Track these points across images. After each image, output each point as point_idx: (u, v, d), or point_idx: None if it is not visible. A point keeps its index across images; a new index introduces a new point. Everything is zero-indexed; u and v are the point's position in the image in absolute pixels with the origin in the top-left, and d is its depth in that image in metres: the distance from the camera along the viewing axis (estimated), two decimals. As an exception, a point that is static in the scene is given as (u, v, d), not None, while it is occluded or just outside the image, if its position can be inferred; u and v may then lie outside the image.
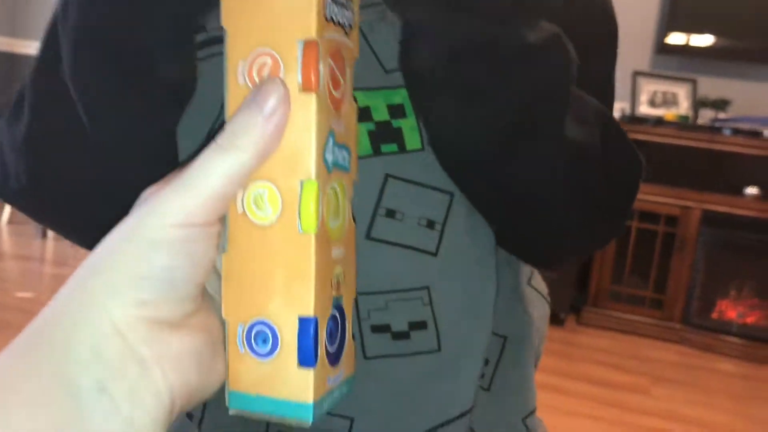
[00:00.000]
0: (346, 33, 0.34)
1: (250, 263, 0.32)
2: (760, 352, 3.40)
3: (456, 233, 0.47)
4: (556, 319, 3.62)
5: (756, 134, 3.49)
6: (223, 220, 0.32)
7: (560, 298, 3.56)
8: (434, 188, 0.46)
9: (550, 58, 0.43)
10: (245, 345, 0.32)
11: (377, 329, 0.47)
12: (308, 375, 0.31)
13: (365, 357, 0.46)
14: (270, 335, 0.31)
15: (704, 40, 3.68)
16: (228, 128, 0.31)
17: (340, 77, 0.33)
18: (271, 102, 0.30)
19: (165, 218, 0.29)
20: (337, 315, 0.33)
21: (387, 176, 0.45)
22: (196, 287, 0.31)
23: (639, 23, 3.85)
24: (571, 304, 3.61)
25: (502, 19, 0.42)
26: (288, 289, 0.31)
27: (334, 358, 0.33)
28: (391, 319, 0.46)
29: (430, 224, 0.46)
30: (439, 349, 0.47)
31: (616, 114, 3.72)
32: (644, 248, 3.58)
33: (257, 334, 0.32)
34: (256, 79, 0.31)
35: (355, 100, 0.36)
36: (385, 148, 0.45)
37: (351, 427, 0.47)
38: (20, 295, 3.19)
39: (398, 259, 0.46)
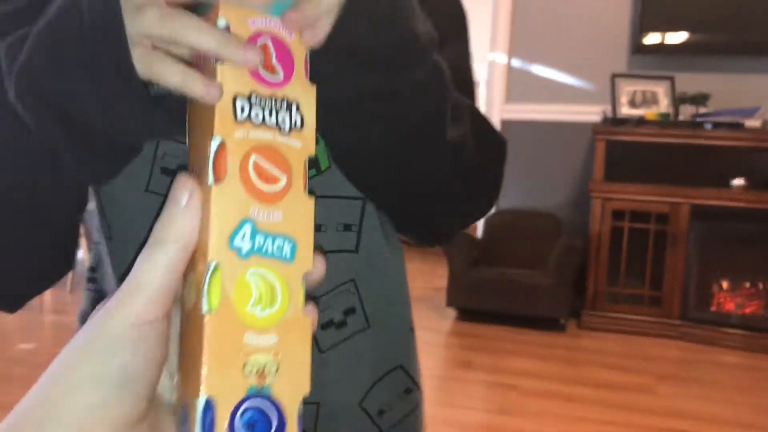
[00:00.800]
0: (285, 133, 0.37)
1: (183, 348, 0.36)
2: (762, 341, 3.42)
3: (371, 230, 0.58)
4: (556, 325, 3.64)
5: (737, 126, 3.54)
6: (170, 317, 0.35)
7: (559, 304, 3.57)
8: (347, 197, 0.57)
9: (431, 88, 0.51)
10: (179, 429, 0.34)
11: (325, 326, 0.57)
12: None
13: (320, 351, 0.57)
14: (188, 417, 0.33)
15: (679, 37, 3.74)
16: (155, 227, 0.35)
17: (279, 173, 0.36)
18: (184, 195, 0.34)
19: (120, 320, 0.33)
20: (266, 406, 0.34)
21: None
22: (149, 386, 0.33)
23: (613, 26, 3.90)
24: (570, 309, 3.63)
25: (398, 68, 0.48)
26: (192, 370, 0.34)
27: None
28: (332, 314, 0.57)
29: (347, 227, 0.57)
30: (369, 326, 0.59)
31: (598, 117, 3.78)
32: (637, 247, 3.61)
33: (182, 416, 0.34)
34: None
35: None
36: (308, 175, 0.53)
37: (318, 411, 0.57)
38: (22, 346, 3.18)
39: (329, 264, 0.51)
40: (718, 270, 3.61)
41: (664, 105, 3.75)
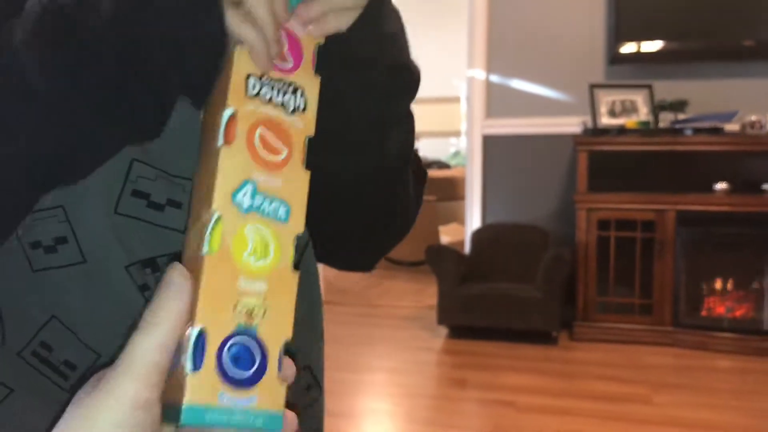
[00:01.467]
0: (290, 112, 0.44)
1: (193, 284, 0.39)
2: (753, 343, 3.42)
3: (309, 249, 0.63)
4: (548, 338, 3.62)
5: (717, 131, 3.56)
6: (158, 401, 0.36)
7: (550, 316, 3.56)
8: None
9: (410, 121, 0.59)
10: (174, 358, 0.37)
11: None
12: (185, 379, 0.36)
13: None
14: (182, 346, 0.37)
15: (655, 45, 3.77)
16: (147, 309, 0.37)
17: (281, 146, 0.43)
18: (177, 279, 0.37)
19: (115, 404, 0.34)
20: (251, 344, 0.38)
21: None
22: None
23: (589, 37, 3.93)
24: (561, 321, 3.61)
25: (393, 96, 0.56)
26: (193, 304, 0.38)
27: (241, 383, 0.37)
28: None
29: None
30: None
31: (579, 128, 3.79)
32: (625, 256, 3.61)
33: (179, 348, 0.37)
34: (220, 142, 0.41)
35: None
36: None
37: None
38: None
39: None
40: (706, 275, 3.61)
41: (643, 113, 3.77)
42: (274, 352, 0.39)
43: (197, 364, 0.36)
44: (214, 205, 0.39)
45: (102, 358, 0.53)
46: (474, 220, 4.20)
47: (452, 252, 3.92)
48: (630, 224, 3.60)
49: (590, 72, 3.91)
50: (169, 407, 0.36)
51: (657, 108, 3.75)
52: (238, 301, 0.38)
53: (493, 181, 4.16)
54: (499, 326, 3.62)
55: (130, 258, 0.52)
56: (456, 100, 7.51)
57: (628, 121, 3.71)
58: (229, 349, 0.37)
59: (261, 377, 0.38)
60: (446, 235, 5.55)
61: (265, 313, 0.39)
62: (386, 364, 3.47)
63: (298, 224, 0.42)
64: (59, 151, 0.43)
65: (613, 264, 3.62)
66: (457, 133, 7.67)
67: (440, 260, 3.77)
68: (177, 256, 0.46)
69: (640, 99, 3.80)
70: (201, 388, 0.36)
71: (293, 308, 0.40)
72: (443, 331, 3.84)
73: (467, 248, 4.15)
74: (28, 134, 0.42)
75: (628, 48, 3.78)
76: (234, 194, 0.40)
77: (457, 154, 7.57)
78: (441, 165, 7.07)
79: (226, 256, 0.38)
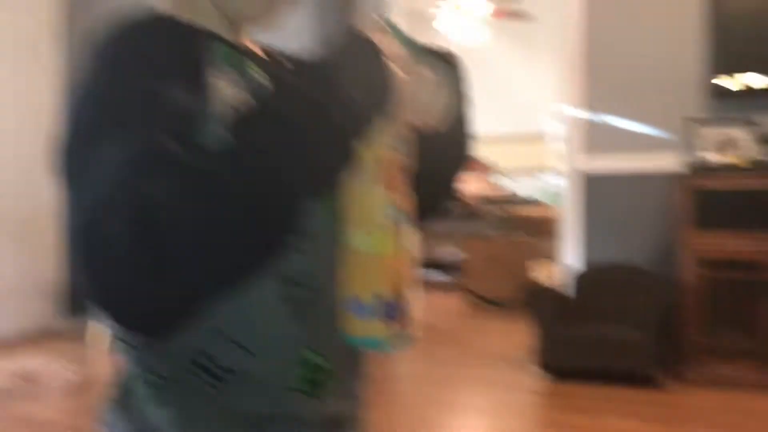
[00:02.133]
0: (400, 152, 0.70)
1: (358, 269, 0.69)
2: None
3: None
4: (651, 382, 3.48)
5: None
6: None
7: (653, 359, 3.42)
8: None
9: None
10: (350, 310, 0.69)
11: None
12: (381, 326, 0.68)
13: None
14: (362, 306, 0.68)
15: (757, 78, 3.65)
16: None
17: (399, 175, 0.70)
18: None
19: None
20: (399, 299, 0.68)
21: None
22: None
23: (688, 71, 3.84)
24: (666, 365, 3.48)
25: None
26: (374, 283, 0.68)
27: (396, 319, 0.68)
28: None
29: None
30: None
31: (681, 165, 3.69)
32: (732, 298, 3.46)
33: (356, 305, 0.69)
34: None
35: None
36: None
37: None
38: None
39: None
40: (822, 318, 3.42)
41: (748, 148, 3.65)
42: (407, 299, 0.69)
43: (393, 317, 0.68)
44: (385, 222, 0.67)
45: (256, 358, 0.65)
46: (570, 258, 4.13)
47: (551, 292, 3.86)
48: (736, 264, 3.46)
49: (691, 106, 3.81)
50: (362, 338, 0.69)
51: (763, 142, 3.62)
52: (399, 278, 0.68)
53: (594, 221, 4.09)
54: (598, 368, 3.52)
55: (276, 273, 0.65)
56: (542, 135, 7.46)
57: (732, 157, 3.59)
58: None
59: (405, 315, 0.69)
60: (539, 272, 5.47)
61: (401, 280, 0.69)
62: (478, 405, 3.43)
63: (409, 221, 0.71)
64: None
65: (719, 306, 3.48)
66: (545, 169, 7.58)
67: (538, 300, 3.71)
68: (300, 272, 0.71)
69: (743, 134, 3.68)
70: (391, 329, 0.68)
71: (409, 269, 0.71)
72: (539, 371, 3.75)
73: (567, 288, 4.07)
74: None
75: (730, 82, 3.68)
76: (385, 212, 0.68)
77: (546, 191, 7.48)
78: (529, 202, 7.00)
79: (396, 252, 0.68)
